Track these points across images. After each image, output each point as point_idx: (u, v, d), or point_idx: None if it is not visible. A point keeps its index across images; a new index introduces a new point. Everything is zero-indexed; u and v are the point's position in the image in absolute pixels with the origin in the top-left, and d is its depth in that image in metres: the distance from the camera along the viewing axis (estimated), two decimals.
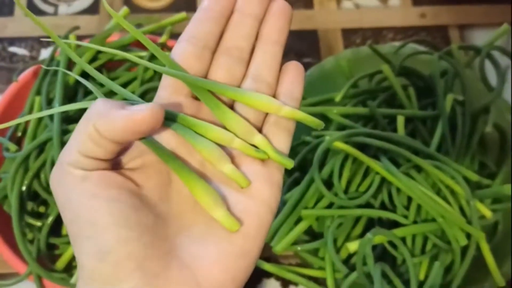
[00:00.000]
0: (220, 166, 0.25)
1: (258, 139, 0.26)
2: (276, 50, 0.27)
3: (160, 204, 0.25)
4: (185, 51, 0.26)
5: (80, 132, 0.23)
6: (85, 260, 0.23)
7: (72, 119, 0.49)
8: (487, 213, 0.47)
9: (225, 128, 0.26)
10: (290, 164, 0.26)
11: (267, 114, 0.27)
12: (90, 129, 0.23)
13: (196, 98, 0.27)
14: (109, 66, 0.54)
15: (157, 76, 0.54)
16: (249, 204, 0.25)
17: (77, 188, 0.23)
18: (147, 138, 0.25)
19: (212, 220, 0.24)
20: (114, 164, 0.24)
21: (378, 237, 0.44)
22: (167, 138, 0.26)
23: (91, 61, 0.52)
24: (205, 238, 0.24)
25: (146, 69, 0.53)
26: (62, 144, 0.46)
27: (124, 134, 0.23)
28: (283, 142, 0.27)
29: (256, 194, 0.25)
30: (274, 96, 0.27)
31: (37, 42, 0.66)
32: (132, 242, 0.22)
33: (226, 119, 0.26)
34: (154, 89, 0.52)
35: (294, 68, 0.27)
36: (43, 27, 0.26)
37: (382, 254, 0.48)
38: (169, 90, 0.26)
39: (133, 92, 0.51)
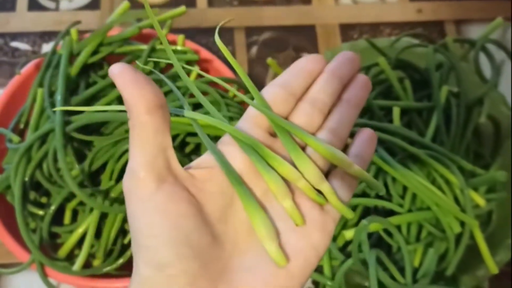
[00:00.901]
0: (282, 200, 0.27)
1: (325, 186, 0.27)
2: (354, 113, 0.30)
3: (218, 224, 0.26)
4: (274, 93, 0.29)
5: (137, 135, 0.25)
6: (142, 267, 0.24)
7: (73, 110, 0.50)
8: (481, 201, 0.48)
9: (294, 167, 0.28)
10: (350, 214, 0.28)
11: (335, 166, 0.29)
12: (140, 119, 0.25)
13: (272, 135, 0.29)
14: (110, 59, 0.55)
15: (157, 69, 0.55)
16: (300, 245, 0.26)
17: (149, 201, 0.24)
18: (215, 150, 0.27)
19: (263, 250, 0.26)
20: (184, 176, 0.26)
21: (374, 224, 0.45)
22: (238, 161, 0.27)
23: (92, 54, 0.53)
24: (254, 267, 0.26)
25: (146, 62, 0.54)
26: (64, 135, 0.47)
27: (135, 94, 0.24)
28: (344, 196, 0.28)
29: (308, 237, 0.27)
30: (344, 151, 0.29)
31: (39, 37, 0.67)
32: (189, 260, 0.24)
33: (300, 161, 0.27)
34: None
35: (369, 134, 0.30)
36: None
37: (377, 242, 0.49)
38: (251, 122, 0.29)
39: None
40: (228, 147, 0.28)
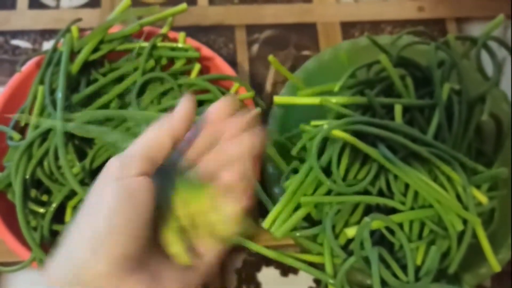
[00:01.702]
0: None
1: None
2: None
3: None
4: None
5: (150, 139, 0.34)
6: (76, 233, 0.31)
7: (74, 107, 0.50)
8: (483, 199, 0.47)
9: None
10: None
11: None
12: (164, 139, 0.33)
13: None
14: (111, 57, 0.55)
15: (158, 66, 0.55)
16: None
17: (121, 181, 0.31)
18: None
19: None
20: None
21: (376, 222, 0.45)
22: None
23: (93, 51, 0.53)
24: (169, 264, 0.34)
25: (147, 59, 0.53)
26: (65, 132, 0.47)
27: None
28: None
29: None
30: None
31: (40, 35, 0.67)
32: (120, 236, 0.29)
33: None
34: (155, 79, 0.53)
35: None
36: None
37: (379, 240, 0.49)
38: None
39: (134, 82, 0.52)
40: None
